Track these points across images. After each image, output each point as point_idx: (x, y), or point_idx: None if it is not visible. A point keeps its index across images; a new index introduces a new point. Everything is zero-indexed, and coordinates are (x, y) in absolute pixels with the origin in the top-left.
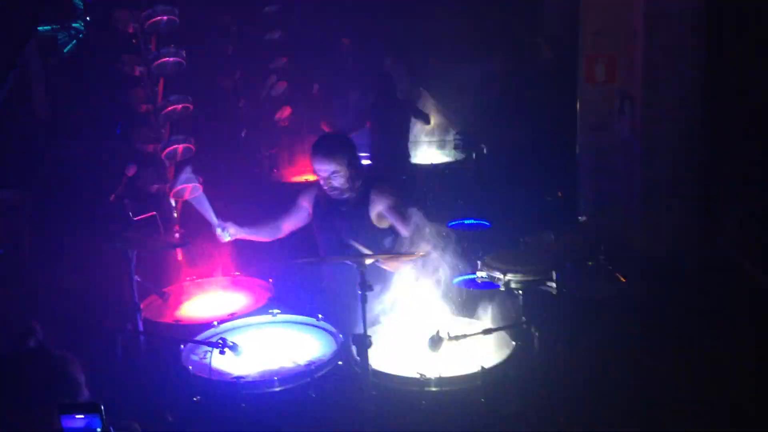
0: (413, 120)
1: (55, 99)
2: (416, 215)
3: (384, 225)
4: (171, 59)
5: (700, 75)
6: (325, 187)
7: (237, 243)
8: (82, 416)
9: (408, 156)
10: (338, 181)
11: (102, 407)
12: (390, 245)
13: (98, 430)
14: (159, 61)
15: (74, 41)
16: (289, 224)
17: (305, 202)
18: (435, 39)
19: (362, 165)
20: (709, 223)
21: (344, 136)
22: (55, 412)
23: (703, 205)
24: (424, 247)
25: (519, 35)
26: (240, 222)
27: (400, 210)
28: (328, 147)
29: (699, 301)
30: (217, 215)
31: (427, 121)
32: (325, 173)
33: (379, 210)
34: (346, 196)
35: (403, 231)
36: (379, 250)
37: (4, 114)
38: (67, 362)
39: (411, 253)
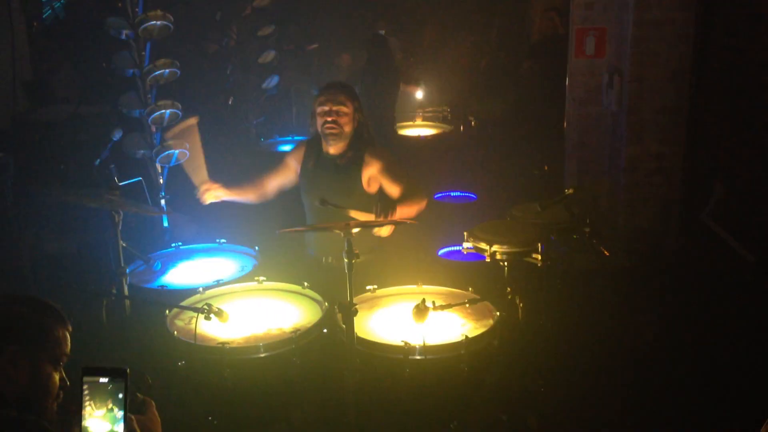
0: (402, 89)
1: (39, 62)
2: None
3: (373, 190)
4: (158, 23)
5: (688, 50)
6: (326, 120)
7: (224, 210)
8: (105, 379)
9: (394, 123)
10: (343, 121)
11: (128, 371)
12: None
13: (120, 396)
14: (146, 24)
15: (60, 3)
16: (275, 183)
17: (292, 161)
18: (427, 10)
19: (364, 124)
20: (693, 198)
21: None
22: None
23: (687, 179)
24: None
25: (510, 8)
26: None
27: (394, 171)
28: (342, 85)
29: (681, 274)
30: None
31: (416, 85)
32: (332, 104)
33: (372, 172)
34: (339, 149)
35: (395, 193)
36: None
37: None
38: (14, 302)
39: (400, 221)
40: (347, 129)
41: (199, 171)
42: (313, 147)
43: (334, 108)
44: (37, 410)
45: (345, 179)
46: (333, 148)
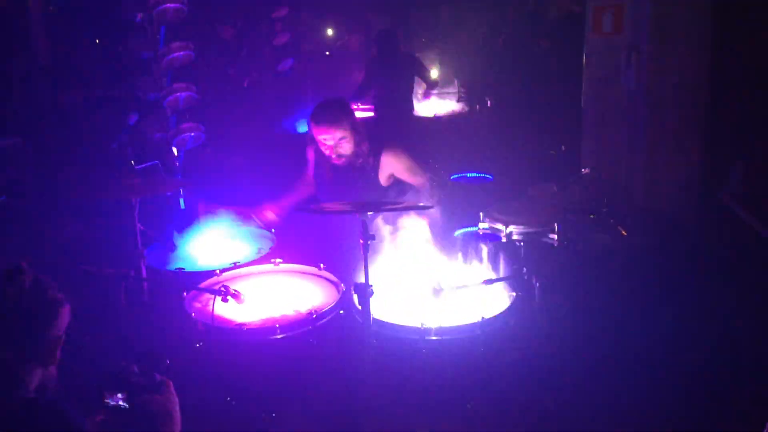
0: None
1: (56, 46)
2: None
3: (388, 183)
4: (172, 5)
5: (707, 26)
6: (333, 156)
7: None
8: None
9: (411, 109)
10: (345, 148)
11: None
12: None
13: None
14: (160, 7)
15: None
16: (303, 190)
17: (311, 152)
18: None
19: (363, 127)
20: (712, 176)
21: (341, 99)
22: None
23: (706, 158)
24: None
25: None
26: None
27: (414, 170)
28: (330, 113)
29: (700, 253)
30: (221, 166)
31: (428, 80)
32: (331, 141)
33: (391, 171)
34: (354, 162)
35: (419, 185)
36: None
37: (4, 61)
38: (62, 302)
39: (418, 205)
40: (353, 149)
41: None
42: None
43: (334, 143)
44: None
45: (360, 178)
46: (347, 162)
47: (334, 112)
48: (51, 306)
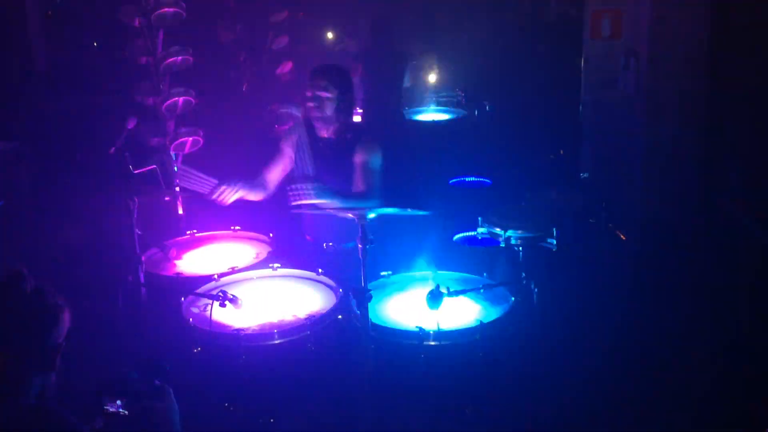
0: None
1: (54, 50)
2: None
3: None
4: (170, 9)
5: (706, 32)
6: (311, 106)
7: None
8: None
9: (401, 109)
10: (327, 106)
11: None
12: None
13: None
14: (158, 11)
15: None
16: (274, 174)
17: (287, 147)
18: None
19: (352, 108)
20: (711, 182)
21: (345, 68)
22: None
23: (704, 163)
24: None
25: None
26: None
27: (367, 174)
28: (328, 66)
29: (699, 259)
30: (215, 171)
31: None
32: (317, 90)
33: (356, 160)
34: (331, 132)
35: (358, 186)
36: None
37: (3, 66)
38: (62, 308)
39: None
40: (329, 112)
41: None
42: (304, 130)
43: (316, 93)
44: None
45: (341, 160)
46: (323, 131)
47: (331, 68)
48: (51, 312)
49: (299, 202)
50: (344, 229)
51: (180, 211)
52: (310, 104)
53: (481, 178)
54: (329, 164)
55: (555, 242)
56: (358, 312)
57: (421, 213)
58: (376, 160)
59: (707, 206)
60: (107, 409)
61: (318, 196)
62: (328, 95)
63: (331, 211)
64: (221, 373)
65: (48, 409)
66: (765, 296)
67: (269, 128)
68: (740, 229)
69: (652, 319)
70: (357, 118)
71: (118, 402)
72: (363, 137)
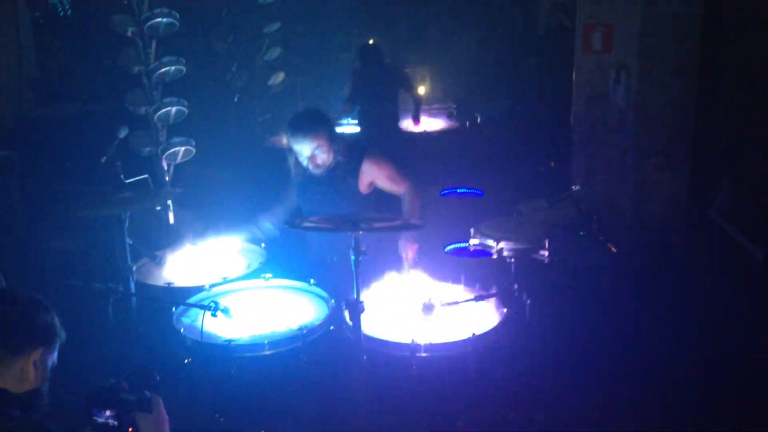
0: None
1: (45, 59)
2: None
3: (369, 191)
4: (164, 20)
5: (696, 45)
6: (310, 166)
7: (230, 206)
8: None
9: (397, 123)
10: (321, 158)
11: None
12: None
13: None
14: (151, 21)
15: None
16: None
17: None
18: (433, 8)
19: (340, 137)
20: (701, 194)
21: (318, 110)
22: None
23: (694, 175)
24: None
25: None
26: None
27: (394, 178)
28: (307, 123)
29: (689, 270)
30: (206, 180)
31: (414, 95)
32: (307, 151)
33: (371, 179)
34: (332, 171)
35: (398, 192)
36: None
37: None
38: (38, 305)
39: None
40: (329, 159)
41: None
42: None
43: (309, 153)
44: (36, 400)
45: (340, 186)
46: (320, 171)
47: (310, 122)
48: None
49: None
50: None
51: (171, 221)
52: (310, 165)
53: (473, 189)
54: (327, 187)
55: (547, 254)
56: (351, 323)
57: (413, 228)
58: (391, 165)
59: (697, 218)
60: (96, 420)
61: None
62: (320, 145)
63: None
64: (212, 383)
65: (34, 423)
66: (754, 308)
67: (260, 138)
68: (729, 242)
69: (644, 331)
70: (354, 129)
71: (108, 413)
72: (364, 154)
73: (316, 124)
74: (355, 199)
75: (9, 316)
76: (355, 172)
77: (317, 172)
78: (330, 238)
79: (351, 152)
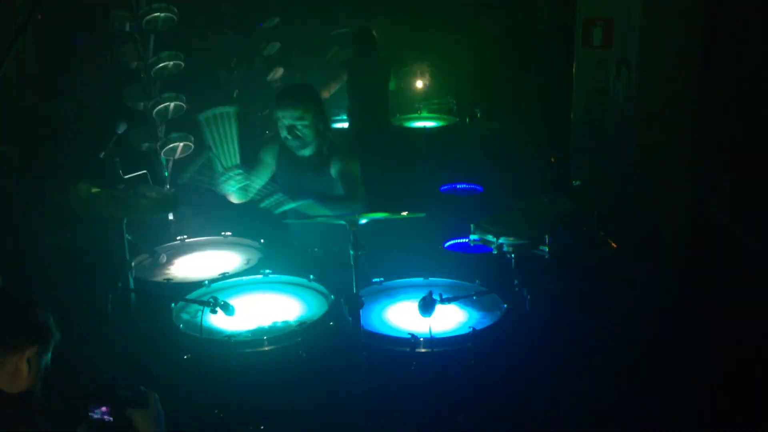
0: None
1: (44, 54)
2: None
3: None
4: (162, 15)
5: (696, 40)
6: (289, 136)
7: (229, 202)
8: None
9: (386, 116)
10: (302, 131)
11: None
12: None
13: None
14: (149, 16)
15: None
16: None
17: (269, 157)
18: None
19: (327, 123)
20: (701, 189)
21: (311, 86)
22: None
23: (695, 171)
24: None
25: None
26: None
27: (346, 176)
28: (295, 92)
29: (690, 266)
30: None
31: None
32: (289, 119)
33: (334, 171)
34: (307, 152)
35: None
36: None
37: None
38: (34, 303)
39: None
40: (310, 135)
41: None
42: (286, 146)
43: (290, 122)
44: (29, 401)
45: (320, 177)
46: (303, 152)
47: (298, 92)
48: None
49: (281, 209)
50: (329, 234)
51: (170, 217)
52: (289, 135)
53: (473, 185)
54: (310, 179)
55: (547, 249)
56: (350, 318)
57: (415, 216)
58: (354, 166)
59: (698, 214)
60: (91, 416)
61: (296, 200)
62: (303, 116)
63: (321, 219)
64: (211, 379)
65: (29, 421)
66: (754, 302)
67: (259, 134)
68: (730, 237)
69: (643, 325)
70: (344, 125)
71: (103, 409)
72: (338, 147)
73: (305, 94)
74: (327, 184)
75: (4, 312)
76: (327, 163)
77: (294, 145)
78: (311, 229)
79: (331, 144)
